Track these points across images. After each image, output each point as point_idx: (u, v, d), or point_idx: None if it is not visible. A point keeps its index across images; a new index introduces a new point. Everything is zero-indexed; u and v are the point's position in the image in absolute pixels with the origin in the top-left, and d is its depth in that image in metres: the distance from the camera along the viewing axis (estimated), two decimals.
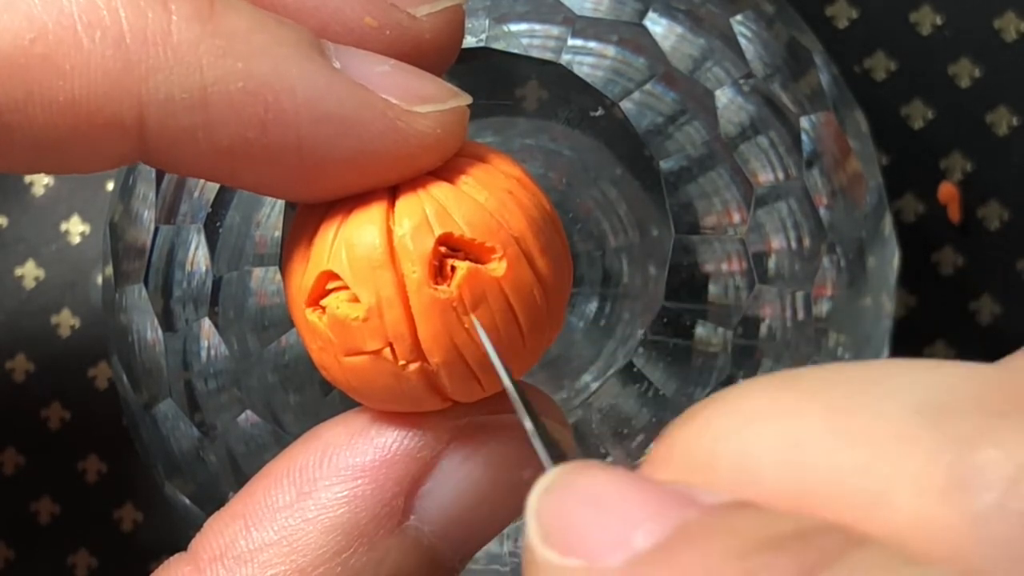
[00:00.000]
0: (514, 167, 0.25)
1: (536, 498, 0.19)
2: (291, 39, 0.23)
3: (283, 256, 0.25)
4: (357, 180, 0.24)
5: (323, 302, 0.24)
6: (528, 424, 0.22)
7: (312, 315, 0.24)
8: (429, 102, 0.24)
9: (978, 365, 0.19)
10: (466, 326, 0.24)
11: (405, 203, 0.24)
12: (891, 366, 0.19)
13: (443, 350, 0.24)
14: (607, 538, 0.18)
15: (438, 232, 0.24)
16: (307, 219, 0.25)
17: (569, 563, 0.18)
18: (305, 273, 0.24)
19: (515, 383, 0.23)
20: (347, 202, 0.24)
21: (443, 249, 0.24)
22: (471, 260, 0.24)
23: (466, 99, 0.24)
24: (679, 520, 0.18)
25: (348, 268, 0.24)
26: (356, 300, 0.24)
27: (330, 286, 0.24)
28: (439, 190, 0.24)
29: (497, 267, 0.24)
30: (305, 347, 0.25)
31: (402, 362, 0.24)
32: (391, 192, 0.24)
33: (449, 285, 0.24)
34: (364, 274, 0.24)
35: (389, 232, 0.24)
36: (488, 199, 0.24)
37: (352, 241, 0.24)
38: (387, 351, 0.24)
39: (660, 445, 0.20)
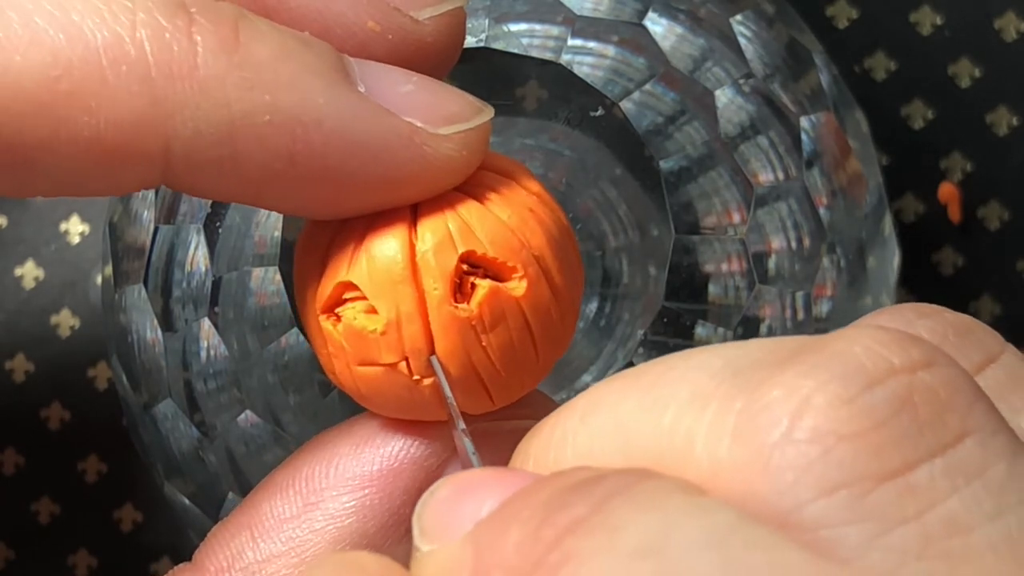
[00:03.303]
0: (534, 182, 0.25)
1: (420, 503, 0.21)
2: (316, 66, 0.23)
3: (296, 260, 0.25)
4: (381, 200, 0.24)
5: (339, 310, 0.24)
6: (462, 424, 0.24)
7: (326, 322, 0.24)
8: (454, 122, 0.24)
9: (782, 337, 0.21)
10: (483, 344, 0.24)
11: (428, 218, 0.24)
12: (702, 348, 0.21)
13: (459, 367, 0.24)
14: (464, 518, 0.20)
15: (461, 250, 0.24)
16: (325, 224, 0.25)
17: (434, 547, 0.20)
18: (321, 280, 0.24)
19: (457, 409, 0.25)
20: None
21: (464, 266, 0.24)
22: (491, 277, 0.24)
23: (489, 113, 0.24)
24: (516, 488, 0.20)
25: (368, 280, 0.24)
26: (374, 311, 0.24)
27: (347, 295, 0.24)
28: (462, 206, 0.24)
29: (517, 286, 0.24)
30: (314, 351, 0.25)
31: (416, 377, 0.24)
32: (413, 205, 0.24)
33: (469, 303, 0.24)
34: (384, 288, 0.24)
35: (411, 247, 0.24)
36: (511, 217, 0.24)
37: (373, 254, 0.24)
38: (403, 365, 0.24)
39: (515, 458, 0.22)
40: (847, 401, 0.19)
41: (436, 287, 0.23)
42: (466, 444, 0.24)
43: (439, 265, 0.23)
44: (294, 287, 0.25)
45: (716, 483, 0.19)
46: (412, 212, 0.24)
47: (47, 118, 0.22)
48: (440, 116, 0.24)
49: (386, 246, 0.24)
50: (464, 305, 0.24)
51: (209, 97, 0.22)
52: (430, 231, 0.24)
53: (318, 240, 0.25)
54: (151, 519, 0.38)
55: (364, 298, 0.24)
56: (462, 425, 0.24)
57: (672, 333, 0.31)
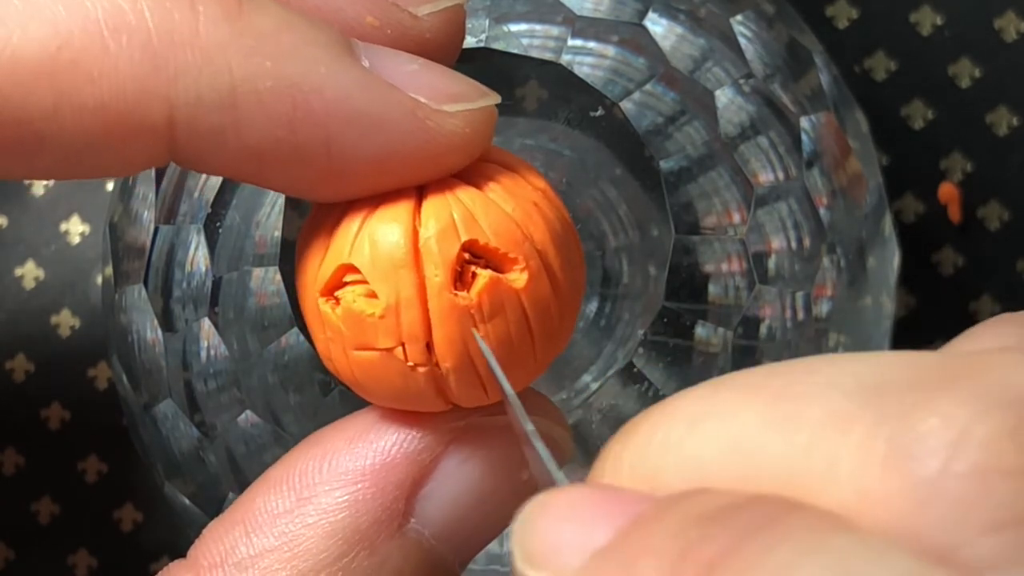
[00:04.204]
0: (539, 178, 0.25)
1: (517, 527, 0.20)
2: (320, 39, 0.23)
3: (299, 243, 0.25)
4: (384, 179, 0.24)
5: (338, 293, 0.24)
6: (530, 426, 0.23)
7: (325, 305, 0.24)
8: (458, 101, 0.24)
9: (914, 352, 0.20)
10: (481, 335, 0.24)
11: (432, 205, 0.24)
12: (826, 359, 0.20)
13: (455, 356, 0.24)
14: (574, 544, 0.19)
15: (464, 238, 0.24)
16: (329, 208, 0.25)
17: (544, 575, 0.19)
18: (323, 263, 0.24)
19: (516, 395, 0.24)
20: (373, 196, 0.24)
21: (466, 255, 0.24)
22: (492, 268, 0.24)
23: (495, 98, 0.24)
24: (634, 513, 0.19)
25: (370, 264, 0.24)
26: (373, 296, 0.24)
27: (347, 279, 0.24)
28: (466, 195, 0.24)
29: (518, 278, 0.24)
30: (311, 336, 0.25)
31: (411, 363, 0.24)
32: (418, 191, 0.24)
33: (469, 292, 0.24)
34: (385, 272, 0.24)
35: (414, 232, 0.24)
36: (515, 209, 0.24)
37: (376, 238, 0.24)
38: (399, 350, 0.24)
39: (605, 463, 0.21)
40: (1010, 433, 0.18)
41: (437, 274, 0.23)
42: (541, 451, 0.22)
43: (441, 252, 0.23)
44: (295, 271, 0.25)
45: (863, 514, 0.18)
46: (416, 198, 0.24)
47: (50, 89, 0.22)
48: (445, 94, 0.24)
49: (389, 230, 0.24)
50: (464, 293, 0.24)
51: (211, 63, 0.23)
52: (434, 218, 0.24)
53: (321, 224, 0.25)
54: (151, 519, 0.38)
55: (365, 282, 0.24)
56: (530, 427, 0.23)
57: (672, 333, 0.31)
